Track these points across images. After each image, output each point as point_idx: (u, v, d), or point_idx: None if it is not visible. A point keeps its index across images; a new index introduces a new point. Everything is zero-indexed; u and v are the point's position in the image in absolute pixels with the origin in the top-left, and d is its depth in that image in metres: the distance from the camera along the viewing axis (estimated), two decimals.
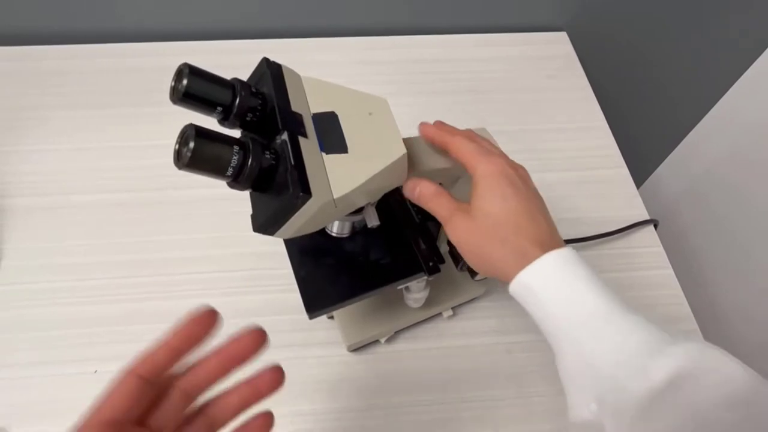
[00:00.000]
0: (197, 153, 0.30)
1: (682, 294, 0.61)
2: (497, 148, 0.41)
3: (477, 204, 0.37)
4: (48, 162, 0.67)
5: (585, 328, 0.33)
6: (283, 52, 0.69)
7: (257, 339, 0.29)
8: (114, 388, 0.26)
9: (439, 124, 0.43)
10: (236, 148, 0.32)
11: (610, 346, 0.32)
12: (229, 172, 0.32)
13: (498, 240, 0.36)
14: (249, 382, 0.30)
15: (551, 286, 0.34)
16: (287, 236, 0.36)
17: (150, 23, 0.79)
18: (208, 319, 0.28)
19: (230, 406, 0.29)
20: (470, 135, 0.41)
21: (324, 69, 0.76)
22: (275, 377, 0.30)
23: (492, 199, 0.37)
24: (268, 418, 0.30)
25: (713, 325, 0.88)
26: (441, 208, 0.39)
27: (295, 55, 0.72)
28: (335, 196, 0.34)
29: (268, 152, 0.33)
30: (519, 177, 0.38)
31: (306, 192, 0.32)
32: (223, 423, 0.29)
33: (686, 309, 0.60)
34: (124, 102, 0.73)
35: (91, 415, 0.26)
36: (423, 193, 0.40)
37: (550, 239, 0.36)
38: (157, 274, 0.59)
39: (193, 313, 0.28)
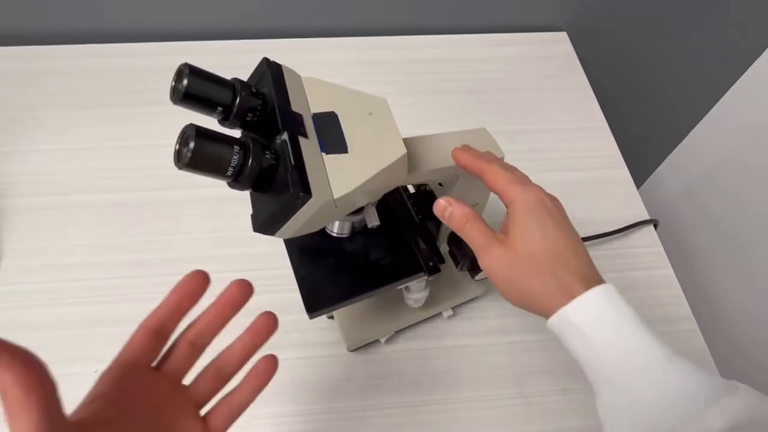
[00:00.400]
0: (197, 153, 0.30)
1: (682, 294, 0.61)
2: (527, 178, 0.41)
3: (516, 234, 0.36)
4: (47, 162, 0.67)
5: (631, 369, 0.32)
6: (283, 52, 0.69)
7: (243, 286, 0.33)
8: (128, 340, 0.32)
9: (469, 149, 0.42)
10: (236, 148, 0.32)
11: (658, 390, 0.32)
12: (230, 172, 0.32)
13: (538, 272, 0.35)
14: (248, 329, 0.34)
15: (596, 323, 0.33)
16: (287, 236, 0.36)
17: (150, 23, 0.79)
18: (199, 277, 0.33)
19: (236, 352, 0.34)
20: (504, 163, 0.41)
21: (324, 69, 0.76)
22: (269, 320, 0.34)
23: (532, 229, 0.36)
24: (272, 359, 0.35)
25: (713, 325, 0.88)
26: (476, 235, 0.37)
27: (295, 55, 0.72)
28: (335, 196, 0.34)
29: (268, 152, 0.33)
30: (556, 208, 0.38)
31: (306, 192, 0.32)
32: (232, 369, 0.34)
33: (686, 309, 0.60)
34: (124, 102, 0.73)
35: (112, 361, 0.31)
36: (455, 216, 0.38)
37: (591, 274, 0.36)
38: (157, 274, 0.59)
39: (186, 274, 0.33)
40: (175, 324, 0.33)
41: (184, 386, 0.33)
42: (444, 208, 0.39)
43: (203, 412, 0.33)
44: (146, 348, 0.32)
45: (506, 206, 0.38)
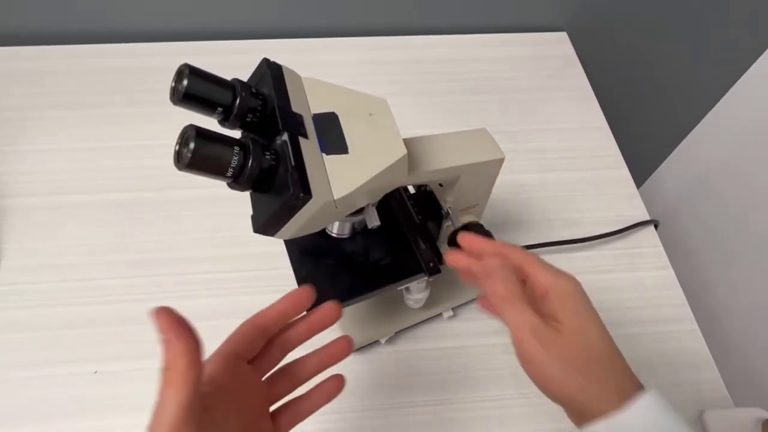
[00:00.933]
0: (197, 154, 0.30)
1: (682, 294, 0.61)
2: None
3: (571, 322, 0.33)
4: (46, 162, 0.67)
5: None
6: (283, 52, 0.69)
7: (334, 310, 0.36)
8: (235, 331, 0.34)
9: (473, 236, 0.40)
10: (236, 148, 0.32)
11: None
12: (230, 172, 0.32)
13: (595, 369, 0.32)
14: (325, 347, 0.37)
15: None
16: (288, 237, 0.36)
17: (150, 23, 0.79)
18: (308, 292, 0.35)
19: (310, 365, 0.37)
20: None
21: (324, 69, 0.75)
22: (346, 344, 0.37)
23: (587, 321, 0.33)
24: (340, 380, 0.37)
25: (713, 325, 0.88)
26: (527, 313, 0.33)
27: (295, 55, 0.72)
28: (336, 197, 0.34)
29: (268, 153, 0.33)
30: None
31: (306, 193, 0.32)
32: (303, 379, 0.37)
33: (686, 309, 0.60)
34: (123, 102, 0.73)
35: (218, 348, 0.33)
36: (498, 293, 0.34)
37: (633, 375, 0.33)
38: (156, 274, 0.59)
39: (298, 287, 0.36)
40: (277, 327, 0.35)
41: (264, 382, 0.36)
42: (493, 269, 0.35)
43: (272, 408, 0.36)
44: (250, 341, 0.34)
45: (545, 291, 0.34)
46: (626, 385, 0.32)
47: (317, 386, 0.37)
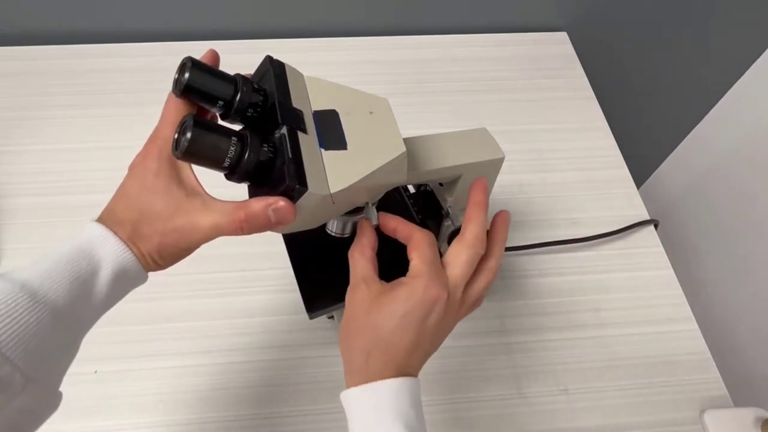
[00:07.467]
0: (194, 142, 0.30)
1: (682, 294, 0.61)
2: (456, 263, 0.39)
3: (385, 301, 0.36)
4: (47, 162, 0.67)
5: None
6: (284, 52, 0.68)
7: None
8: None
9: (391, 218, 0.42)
10: (234, 139, 0.32)
11: None
12: (226, 162, 0.32)
13: (365, 345, 0.35)
14: None
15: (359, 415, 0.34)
16: (285, 231, 0.36)
17: (150, 23, 0.79)
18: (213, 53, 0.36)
19: None
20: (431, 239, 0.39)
21: (324, 69, 0.76)
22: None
23: (396, 313, 0.36)
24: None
25: (713, 325, 0.88)
26: (358, 266, 0.38)
27: (296, 55, 0.72)
28: (332, 191, 0.34)
29: (266, 145, 0.33)
30: (445, 311, 0.37)
31: (302, 185, 0.31)
32: None
33: (686, 309, 0.60)
34: (124, 102, 0.73)
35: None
36: (356, 243, 0.39)
37: (405, 367, 0.36)
38: (156, 274, 0.59)
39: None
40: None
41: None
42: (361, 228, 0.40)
43: None
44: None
45: (408, 272, 0.38)
46: (387, 371, 0.35)
47: None
